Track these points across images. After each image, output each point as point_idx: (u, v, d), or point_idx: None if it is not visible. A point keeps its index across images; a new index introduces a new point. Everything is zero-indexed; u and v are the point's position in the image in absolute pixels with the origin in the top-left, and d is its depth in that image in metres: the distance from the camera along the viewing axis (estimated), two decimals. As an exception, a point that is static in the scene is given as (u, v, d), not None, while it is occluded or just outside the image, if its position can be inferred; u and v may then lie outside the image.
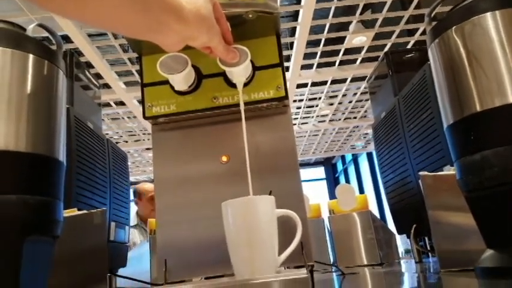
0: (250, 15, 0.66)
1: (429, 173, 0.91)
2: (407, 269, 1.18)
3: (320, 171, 8.09)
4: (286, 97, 0.69)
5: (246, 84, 0.70)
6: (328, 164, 8.05)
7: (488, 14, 0.77)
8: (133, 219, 2.55)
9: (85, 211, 0.88)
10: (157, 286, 0.60)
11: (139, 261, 1.53)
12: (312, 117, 4.30)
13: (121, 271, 1.26)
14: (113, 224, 1.23)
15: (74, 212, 0.86)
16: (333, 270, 1.37)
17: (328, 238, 1.82)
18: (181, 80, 0.68)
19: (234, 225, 0.51)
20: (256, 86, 0.70)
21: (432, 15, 0.92)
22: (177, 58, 0.66)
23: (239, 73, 0.67)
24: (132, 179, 4.89)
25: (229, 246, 0.52)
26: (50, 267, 0.70)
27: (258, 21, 0.67)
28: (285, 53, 2.74)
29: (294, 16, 2.53)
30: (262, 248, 0.51)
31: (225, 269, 0.61)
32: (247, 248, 0.50)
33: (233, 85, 0.70)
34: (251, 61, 0.68)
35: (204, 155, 0.72)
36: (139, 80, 0.75)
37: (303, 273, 0.44)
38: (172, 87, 0.71)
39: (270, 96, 0.69)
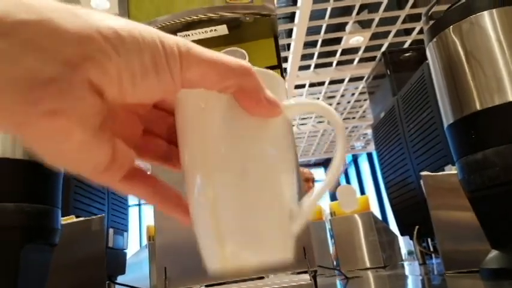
0: (248, 18, 0.65)
1: (430, 173, 0.90)
2: (411, 271, 1.17)
3: (320, 173, 8.08)
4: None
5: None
6: (328, 165, 8.04)
7: (486, 13, 0.76)
8: None
9: (83, 218, 0.87)
10: (157, 294, 0.59)
11: (138, 267, 1.52)
12: (311, 118, 4.29)
13: (120, 278, 1.25)
14: (111, 230, 1.22)
15: (71, 219, 0.85)
16: (336, 273, 1.36)
17: (329, 241, 1.81)
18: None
19: (204, 144, 0.20)
20: (254, 88, 0.69)
21: (429, 14, 0.92)
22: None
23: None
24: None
25: (188, 192, 0.22)
26: (48, 274, 0.69)
27: (256, 24, 0.67)
28: (283, 54, 2.73)
29: (291, 17, 2.53)
30: (263, 196, 0.21)
31: (226, 276, 0.60)
32: (235, 192, 0.20)
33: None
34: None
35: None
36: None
37: (306, 279, 0.43)
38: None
39: (269, 99, 0.68)
